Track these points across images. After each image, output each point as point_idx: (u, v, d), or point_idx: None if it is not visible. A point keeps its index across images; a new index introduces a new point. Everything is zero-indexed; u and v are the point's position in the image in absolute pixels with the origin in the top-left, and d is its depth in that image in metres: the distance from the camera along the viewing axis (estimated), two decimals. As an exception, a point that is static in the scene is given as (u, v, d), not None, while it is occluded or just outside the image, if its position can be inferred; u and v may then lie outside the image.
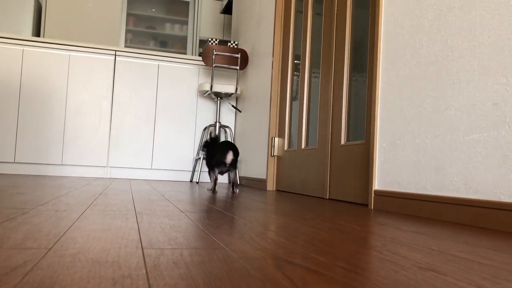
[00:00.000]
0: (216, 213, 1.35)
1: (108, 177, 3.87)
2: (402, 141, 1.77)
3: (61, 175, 3.76)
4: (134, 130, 3.93)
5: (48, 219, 1.03)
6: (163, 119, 4.01)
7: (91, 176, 3.85)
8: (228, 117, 4.18)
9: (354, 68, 2.31)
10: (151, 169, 3.97)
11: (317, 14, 2.82)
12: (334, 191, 2.36)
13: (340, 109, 2.36)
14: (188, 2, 5.99)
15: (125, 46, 5.72)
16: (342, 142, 2.32)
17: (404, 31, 1.80)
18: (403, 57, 1.79)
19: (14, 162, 3.70)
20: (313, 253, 0.77)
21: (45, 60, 3.77)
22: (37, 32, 5.32)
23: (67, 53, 3.82)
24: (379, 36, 1.96)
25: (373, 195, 1.91)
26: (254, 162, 3.53)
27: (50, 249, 0.68)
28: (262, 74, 3.51)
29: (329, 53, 2.52)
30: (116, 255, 0.67)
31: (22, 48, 3.72)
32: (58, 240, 0.76)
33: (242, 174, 3.82)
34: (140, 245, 0.76)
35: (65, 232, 0.85)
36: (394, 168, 1.80)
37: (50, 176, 3.59)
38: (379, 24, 1.96)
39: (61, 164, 3.78)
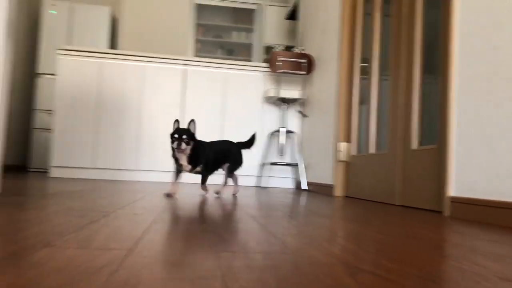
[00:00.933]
0: (284, 218, 1.36)
1: (179, 181, 4.01)
2: (478, 145, 1.68)
3: (136, 180, 3.95)
4: (203, 136, 4.05)
5: (127, 222, 1.09)
6: (230, 126, 4.10)
7: (163, 180, 4.01)
8: (294, 122, 4.19)
9: (425, 70, 2.23)
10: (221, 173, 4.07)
11: (385, 15, 2.76)
12: (405, 197, 2.28)
13: (411, 113, 2.29)
14: (254, 9, 6.08)
15: (195, 56, 5.91)
16: (414, 146, 2.25)
17: (481, 30, 1.71)
18: (479, 57, 1.71)
19: (93, 168, 3.94)
20: (385, 260, 0.76)
21: (121, 71, 3.99)
22: (112, 45, 5.64)
23: (141, 64, 4.01)
24: (452, 35, 1.88)
25: (447, 201, 1.83)
26: (321, 168, 3.51)
27: (131, 250, 0.73)
28: (328, 78, 3.48)
29: (399, 55, 2.46)
30: (192, 257, 0.70)
31: (99, 61, 3.96)
32: (137, 242, 0.81)
33: (309, 180, 3.81)
34: (214, 248, 0.78)
35: (143, 235, 0.90)
36: (470, 173, 1.72)
37: (125, 181, 3.78)
38: (453, 23, 1.88)
39: (136, 170, 3.97)
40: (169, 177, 4.01)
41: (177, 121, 2.16)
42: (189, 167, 2.18)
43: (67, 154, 3.89)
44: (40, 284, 0.50)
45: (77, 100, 3.92)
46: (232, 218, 1.30)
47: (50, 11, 5.28)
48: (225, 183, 2.49)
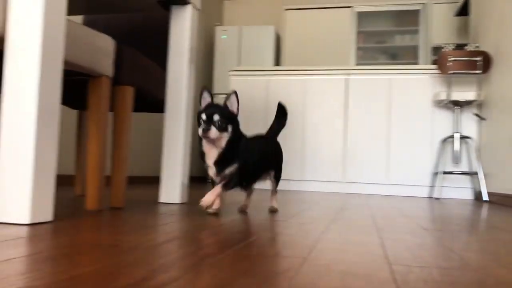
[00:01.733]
0: (462, 232, 1.26)
1: (344, 192, 4.00)
2: None
3: (301, 190, 4.07)
4: (367, 145, 3.98)
5: (298, 231, 1.14)
6: (396, 133, 3.94)
7: (327, 191, 4.05)
8: (469, 127, 3.83)
9: None
10: (386, 184, 3.93)
11: None
12: None
13: None
14: (418, 10, 5.78)
15: (356, 64, 5.87)
16: None
17: None
18: None
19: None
20: None
21: (285, 86, 4.17)
22: (277, 61, 5.94)
23: (304, 77, 4.14)
24: None
25: None
26: (506, 176, 3.14)
27: (305, 258, 0.76)
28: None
29: None
30: (365, 268, 0.70)
31: (266, 78, 4.21)
32: (310, 250, 0.84)
33: (490, 190, 3.43)
34: (386, 261, 0.77)
35: (315, 244, 0.93)
36: None
37: (291, 190, 3.92)
38: None
39: (301, 180, 4.09)
40: (332, 187, 4.03)
41: (206, 90, 1.40)
42: (214, 169, 1.38)
43: (240, 166, 4.21)
44: (233, 284, 0.55)
45: (248, 116, 4.22)
46: (403, 230, 1.25)
47: (222, 37, 5.80)
48: (273, 194, 1.78)
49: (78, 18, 2.54)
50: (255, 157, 1.53)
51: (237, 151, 1.38)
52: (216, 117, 1.31)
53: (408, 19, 5.90)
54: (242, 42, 5.76)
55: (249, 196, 1.71)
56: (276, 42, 5.84)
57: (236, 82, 4.26)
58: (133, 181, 4.10)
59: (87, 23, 2.21)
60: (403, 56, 5.94)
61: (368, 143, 3.98)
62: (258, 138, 1.69)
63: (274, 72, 4.20)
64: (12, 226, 0.99)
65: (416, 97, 3.92)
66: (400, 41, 5.95)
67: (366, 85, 4.02)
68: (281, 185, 4.12)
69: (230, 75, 4.28)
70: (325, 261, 0.74)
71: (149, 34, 2.15)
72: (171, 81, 1.90)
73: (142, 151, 4.28)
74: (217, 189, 1.37)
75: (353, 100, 4.04)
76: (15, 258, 0.66)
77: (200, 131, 1.31)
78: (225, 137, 1.34)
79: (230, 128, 1.35)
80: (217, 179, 1.40)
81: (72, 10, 1.75)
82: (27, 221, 1.03)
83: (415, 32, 5.82)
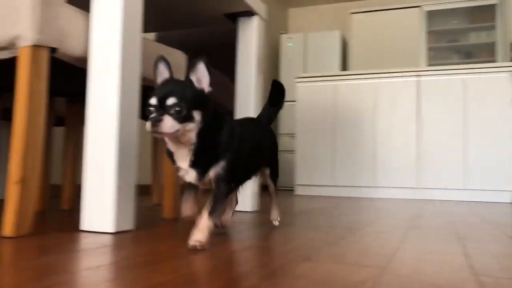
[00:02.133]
0: (557, 241, 1.16)
1: (419, 198, 3.84)
2: None
3: (373, 197, 3.96)
4: (442, 149, 3.80)
5: (374, 239, 1.11)
6: (474, 135, 3.73)
7: (401, 197, 3.91)
8: (557, 126, 3.54)
9: None
10: (464, 189, 3.73)
11: None
12: None
13: None
14: (495, 4, 5.45)
15: (428, 65, 5.64)
16: None
17: None
18: None
19: (332, 186, 4.12)
20: None
21: (354, 91, 4.10)
22: (344, 66, 5.86)
23: (373, 81, 4.05)
24: None
25: None
26: None
27: (384, 268, 0.74)
28: None
29: None
30: (449, 279, 0.67)
31: (333, 83, 4.16)
32: (389, 260, 0.82)
33: None
34: (472, 271, 0.73)
35: (393, 253, 0.90)
36: None
37: (363, 198, 3.83)
38: None
39: (373, 186, 3.99)
40: (406, 193, 3.88)
41: (162, 60, 0.98)
42: (193, 173, 0.95)
43: (309, 173, 4.18)
44: (308, 294, 0.55)
45: (315, 122, 4.19)
46: (486, 238, 1.18)
47: (288, 44, 5.83)
48: (273, 200, 1.37)
49: (151, 35, 2.66)
50: (248, 148, 1.07)
51: (221, 142, 0.95)
52: (171, 101, 0.86)
53: (483, 15, 5.59)
54: (308, 49, 5.75)
55: (231, 207, 1.27)
56: (342, 47, 5.77)
57: (302, 90, 4.25)
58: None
59: (160, 39, 2.32)
60: (478, 54, 5.63)
61: (444, 146, 3.80)
62: (248, 122, 1.24)
63: (342, 77, 4.14)
64: (98, 234, 1.06)
65: (494, 97, 3.69)
66: (475, 38, 5.65)
67: (439, 86, 3.85)
68: (351, 192, 4.04)
69: (296, 82, 4.28)
70: (406, 272, 0.71)
71: (217, 47, 2.21)
72: (240, 92, 1.94)
73: (213, 161, 4.37)
74: (206, 222, 0.91)
75: (426, 103, 3.88)
76: (103, 265, 0.70)
77: (147, 124, 0.88)
78: (193, 129, 0.89)
79: (198, 116, 0.89)
80: (201, 186, 1.00)
81: (145, 28, 1.84)
82: (111, 230, 1.09)
83: (491, 28, 5.50)
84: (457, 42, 5.73)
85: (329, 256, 0.84)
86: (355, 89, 4.09)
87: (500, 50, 5.40)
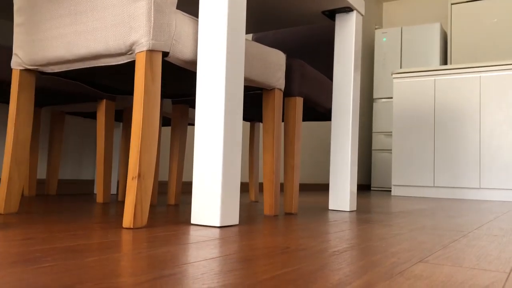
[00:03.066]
0: None
1: (533, 201, 3.51)
2: None
3: (479, 199, 3.70)
4: (561, 148, 3.44)
5: (490, 243, 1.04)
6: None
7: (508, 200, 3.60)
8: None
9: None
10: None
11: None
12: None
13: None
14: None
15: (540, 55, 5.14)
16: None
17: None
18: None
19: (433, 186, 3.91)
20: None
21: (455, 85, 3.86)
22: (444, 60, 5.54)
23: (477, 75, 3.78)
24: None
25: None
26: None
27: (509, 274, 0.69)
28: None
29: None
30: None
31: (433, 78, 3.95)
32: (512, 265, 0.76)
33: None
34: None
35: (515, 258, 0.83)
36: None
37: (467, 200, 3.59)
38: None
39: (479, 188, 3.72)
40: (520, 195, 3.57)
41: None
42: None
43: (407, 173, 4.01)
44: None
45: (414, 119, 4.01)
46: None
47: (383, 39, 5.65)
48: None
49: (248, 37, 2.73)
50: None
51: None
52: None
53: None
54: (404, 43, 5.52)
55: None
56: (442, 40, 5.46)
57: (399, 85, 4.10)
58: (303, 188, 4.23)
59: (257, 39, 2.37)
60: None
61: (562, 145, 3.44)
62: None
63: (443, 71, 3.92)
64: (206, 228, 1.11)
65: None
66: None
67: (556, 78, 3.49)
68: (452, 194, 3.81)
69: (394, 77, 4.14)
70: (535, 278, 0.66)
71: (314, 46, 2.20)
72: (337, 89, 1.92)
73: (311, 159, 4.38)
74: None
75: (540, 97, 3.54)
76: (217, 257, 0.73)
77: None
78: None
79: None
80: None
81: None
82: (218, 224, 1.14)
83: None
84: None
85: (445, 258, 0.80)
86: (457, 84, 3.85)
87: None
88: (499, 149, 3.65)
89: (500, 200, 3.62)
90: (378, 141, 5.47)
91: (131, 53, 1.13)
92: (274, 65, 1.50)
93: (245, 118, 2.34)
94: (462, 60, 5.39)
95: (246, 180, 3.50)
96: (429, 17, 6.04)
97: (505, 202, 3.24)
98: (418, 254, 0.83)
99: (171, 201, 1.84)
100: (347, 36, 1.91)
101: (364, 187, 5.66)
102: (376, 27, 5.87)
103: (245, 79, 1.38)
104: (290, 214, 1.62)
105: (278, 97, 1.54)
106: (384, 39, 5.60)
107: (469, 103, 3.79)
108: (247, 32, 2.21)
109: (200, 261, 0.69)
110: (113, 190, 2.40)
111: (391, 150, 5.32)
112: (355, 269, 0.68)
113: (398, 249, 0.89)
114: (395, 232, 1.19)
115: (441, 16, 5.98)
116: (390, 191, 5.15)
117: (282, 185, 4.03)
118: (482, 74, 3.76)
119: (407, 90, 4.04)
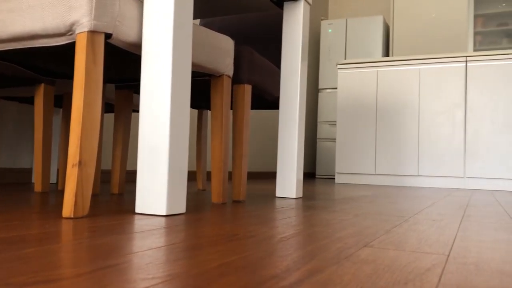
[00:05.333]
0: None
1: (466, 188, 3.72)
2: None
3: (417, 186, 3.87)
4: (491, 137, 3.66)
5: (429, 227, 1.08)
6: (526, 123, 3.57)
7: (447, 187, 3.80)
8: None
9: None
10: (515, 179, 3.58)
11: None
12: None
13: None
14: (548, -15, 5.17)
15: (474, 50, 5.43)
16: None
17: None
18: None
19: (374, 174, 4.05)
20: None
21: (397, 77, 4.00)
22: (386, 52, 5.72)
23: (417, 67, 3.93)
24: None
25: None
26: None
27: (448, 255, 0.71)
28: None
29: None
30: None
31: (375, 70, 4.07)
32: (451, 248, 0.79)
33: None
34: (543, 261, 0.69)
35: (453, 241, 0.87)
36: None
37: (406, 187, 3.75)
38: None
39: (417, 175, 3.89)
40: (451, 182, 3.77)
41: None
42: None
43: (350, 161, 4.13)
44: (380, 277, 0.54)
45: (357, 109, 4.12)
46: (550, 229, 1.13)
47: (328, 30, 5.74)
48: None
49: (195, 22, 2.67)
50: None
51: None
52: None
53: (536, -4, 5.31)
54: (348, 35, 5.64)
55: None
56: (385, 32, 5.63)
57: (344, 76, 4.19)
58: (251, 176, 4.23)
59: (204, 25, 2.32)
60: (530, 38, 5.37)
61: (492, 134, 3.67)
62: None
63: (385, 63, 4.05)
64: (151, 217, 1.08)
65: (549, 83, 3.52)
66: (527, 21, 5.39)
67: (488, 72, 3.70)
68: (393, 181, 3.96)
69: (338, 68, 4.22)
70: (472, 259, 0.69)
71: (262, 34, 2.19)
72: (285, 78, 1.92)
73: (258, 148, 4.40)
74: None
75: (473, 89, 3.74)
76: (163, 246, 0.71)
77: None
78: None
79: None
80: None
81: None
82: (164, 212, 1.11)
83: (545, 10, 5.23)
84: (507, 26, 5.48)
85: (388, 242, 0.82)
86: (399, 75, 3.99)
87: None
88: (437, 138, 3.84)
89: (437, 186, 3.81)
90: (322, 130, 5.59)
91: (71, 34, 1.07)
92: (223, 51, 1.48)
93: (192, 106, 2.30)
94: (403, 53, 5.59)
95: (194, 169, 3.46)
96: (373, 9, 6.20)
97: (441, 189, 3.42)
98: (363, 239, 0.85)
99: (115, 190, 1.78)
100: (295, 24, 1.92)
101: (309, 175, 5.77)
102: (322, 18, 5.96)
103: (193, 65, 1.35)
104: (238, 201, 1.61)
105: (227, 83, 1.52)
106: (330, 30, 5.70)
107: (409, 94, 3.95)
108: (194, 18, 2.17)
109: (145, 250, 0.67)
110: (53, 179, 2.29)
111: (335, 139, 5.45)
112: (303, 254, 0.68)
113: (344, 234, 0.91)
114: (340, 217, 1.21)
115: (384, 9, 6.16)
116: (334, 178, 5.29)
117: (230, 173, 4.02)
118: (422, 67, 3.91)
119: (351, 81, 4.14)
